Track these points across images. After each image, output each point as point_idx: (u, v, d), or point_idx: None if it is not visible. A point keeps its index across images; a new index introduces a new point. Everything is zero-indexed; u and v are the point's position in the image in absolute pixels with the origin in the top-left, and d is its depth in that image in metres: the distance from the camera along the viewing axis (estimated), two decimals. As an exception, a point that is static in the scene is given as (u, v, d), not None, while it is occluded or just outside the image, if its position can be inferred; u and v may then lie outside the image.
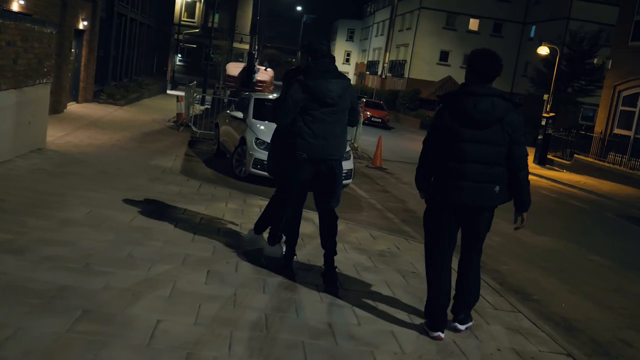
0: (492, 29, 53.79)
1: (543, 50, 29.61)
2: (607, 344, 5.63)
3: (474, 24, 53.80)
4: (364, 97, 44.16)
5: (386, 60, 60.98)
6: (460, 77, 47.92)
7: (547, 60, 37.29)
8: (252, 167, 10.38)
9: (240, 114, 11.44)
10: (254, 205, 8.40)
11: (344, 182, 10.81)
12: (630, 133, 23.15)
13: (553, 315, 6.18)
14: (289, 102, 5.26)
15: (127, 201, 7.40)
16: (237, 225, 7.14)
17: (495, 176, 4.45)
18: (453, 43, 53.31)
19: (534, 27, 51.01)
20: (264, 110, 11.80)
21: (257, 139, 10.50)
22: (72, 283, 4.51)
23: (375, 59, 67.40)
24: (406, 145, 26.89)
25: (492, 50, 4.54)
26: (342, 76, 5.44)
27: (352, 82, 74.90)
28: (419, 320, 4.88)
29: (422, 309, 4.89)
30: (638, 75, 23.10)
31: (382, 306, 5.12)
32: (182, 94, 19.73)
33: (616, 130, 23.95)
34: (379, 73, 63.13)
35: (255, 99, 12.14)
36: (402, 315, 4.98)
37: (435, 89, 46.14)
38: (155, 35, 33.93)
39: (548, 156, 25.31)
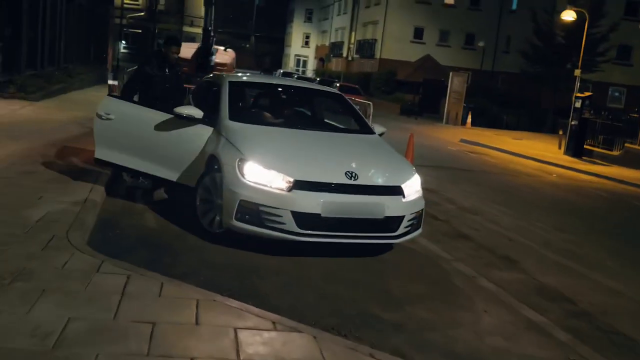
0: (470, 2, 48.72)
1: (568, 16, 24.49)
2: None
3: (449, -4, 48.57)
4: (336, 81, 39.39)
5: (352, 41, 55.75)
6: (437, 55, 44.30)
7: (541, 32, 33.76)
8: (236, 219, 5.59)
9: (196, 112, 6.58)
10: None
11: (408, 236, 5.83)
12: None
13: None
14: None
15: None
16: None
17: None
18: (428, 18, 48.15)
19: (516, -2, 46.02)
20: (247, 107, 7.45)
21: (241, 159, 5.74)
22: None
23: (339, 39, 61.49)
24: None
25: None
26: None
27: (313, 66, 69.54)
28: None
29: None
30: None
31: None
32: (115, 82, 14.91)
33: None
34: (345, 55, 57.73)
35: (231, 83, 7.14)
36: None
37: (414, 69, 41.84)
38: (89, 16, 29.46)
39: (585, 146, 20.54)
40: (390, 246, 6.28)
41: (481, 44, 39.87)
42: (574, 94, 21.51)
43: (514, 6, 46.14)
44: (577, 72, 22.43)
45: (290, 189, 5.51)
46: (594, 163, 19.08)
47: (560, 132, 22.56)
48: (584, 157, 20.11)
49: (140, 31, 49.71)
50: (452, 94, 31.24)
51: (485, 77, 45.07)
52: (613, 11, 34.67)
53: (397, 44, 47.80)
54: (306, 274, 5.40)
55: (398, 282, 5.51)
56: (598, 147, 20.80)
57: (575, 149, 20.42)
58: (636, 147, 19.14)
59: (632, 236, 9.39)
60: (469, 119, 30.61)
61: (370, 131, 7.17)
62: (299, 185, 5.54)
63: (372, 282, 5.40)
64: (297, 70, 68.94)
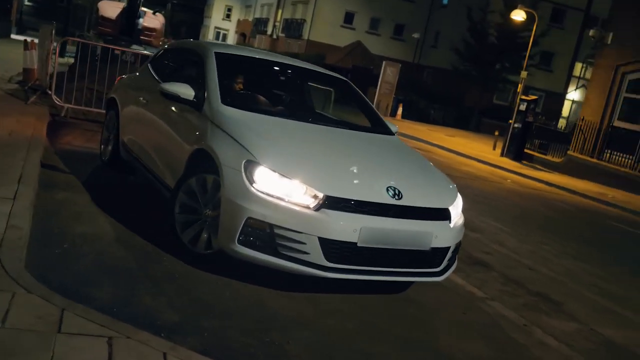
0: (403, -8, 48.36)
1: (518, 16, 24.24)
2: None
3: (383, -15, 48.01)
4: None
5: (278, 18, 54.04)
6: (367, 42, 43.49)
7: (475, 31, 33.71)
8: (240, 242, 4.08)
9: (186, 91, 4.96)
10: None
11: (448, 273, 4.52)
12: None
13: None
14: None
15: None
16: None
17: None
18: (359, 3, 47.30)
19: (448, -7, 46.24)
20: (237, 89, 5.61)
21: (249, 162, 4.18)
22: None
23: (264, 16, 59.29)
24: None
25: None
26: None
27: (233, 41, 66.18)
28: None
29: None
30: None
31: None
32: (33, 39, 12.49)
33: (616, 123, 18.56)
34: (269, 32, 55.98)
35: (218, 55, 5.43)
36: None
37: (343, 54, 40.84)
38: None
39: (525, 150, 20.33)
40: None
41: (416, 35, 39.21)
42: (519, 96, 21.05)
43: (445, 1, 45.96)
44: (524, 73, 21.98)
45: (319, 208, 4.05)
46: (536, 169, 18.68)
47: (497, 133, 22.16)
48: (524, 162, 19.71)
49: (47, -17, 45.68)
50: (383, 84, 30.26)
51: (412, 69, 44.73)
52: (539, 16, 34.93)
53: (327, 27, 46.44)
54: (336, 325, 3.99)
55: (449, 337, 4.22)
56: (535, 151, 20.55)
57: (516, 153, 20.01)
58: (578, 155, 18.84)
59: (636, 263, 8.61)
60: (399, 111, 29.88)
61: (388, 131, 5.74)
62: (332, 203, 4.08)
63: (421, 340, 4.08)
64: (216, 44, 65.36)
